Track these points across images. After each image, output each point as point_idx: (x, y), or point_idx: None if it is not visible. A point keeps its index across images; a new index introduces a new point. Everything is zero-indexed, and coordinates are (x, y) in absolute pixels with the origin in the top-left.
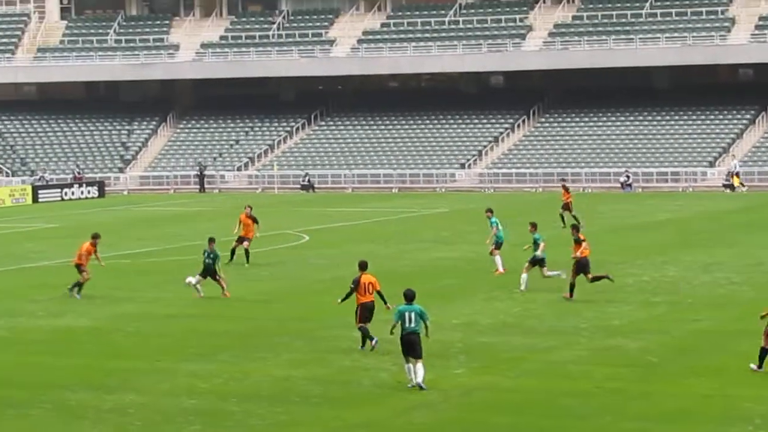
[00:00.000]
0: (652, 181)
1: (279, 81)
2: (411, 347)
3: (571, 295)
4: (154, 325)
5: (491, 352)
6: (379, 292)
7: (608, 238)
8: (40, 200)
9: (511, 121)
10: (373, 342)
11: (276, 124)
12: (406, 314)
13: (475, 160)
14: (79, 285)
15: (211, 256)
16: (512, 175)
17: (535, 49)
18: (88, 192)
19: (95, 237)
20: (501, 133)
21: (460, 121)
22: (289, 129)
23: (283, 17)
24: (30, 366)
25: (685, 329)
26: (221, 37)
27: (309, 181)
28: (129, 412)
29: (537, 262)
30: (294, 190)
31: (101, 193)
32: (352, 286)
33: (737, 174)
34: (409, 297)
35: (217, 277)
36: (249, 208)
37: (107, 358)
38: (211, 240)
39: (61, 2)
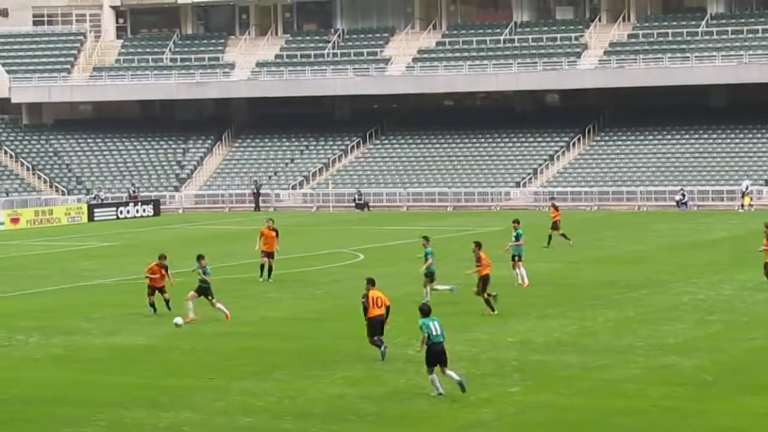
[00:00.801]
0: (707, 200)
1: (334, 99)
2: (439, 357)
3: (492, 309)
4: (209, 343)
5: (546, 370)
6: (388, 308)
7: (664, 257)
8: (95, 219)
9: (567, 139)
10: (382, 348)
11: (331, 143)
12: (431, 325)
13: (530, 178)
14: (167, 303)
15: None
16: (567, 194)
17: (590, 68)
18: (144, 210)
19: (162, 258)
20: (556, 151)
21: (515, 139)
22: (344, 147)
23: (339, 36)
24: (85, 384)
25: (741, 348)
26: (276, 56)
27: (363, 199)
28: (184, 430)
29: (429, 275)
30: (348, 209)
31: (156, 212)
32: (363, 300)
33: (749, 193)
34: (426, 311)
35: (210, 298)
36: (271, 221)
37: (162, 376)
38: (201, 257)
39: (117, 21)
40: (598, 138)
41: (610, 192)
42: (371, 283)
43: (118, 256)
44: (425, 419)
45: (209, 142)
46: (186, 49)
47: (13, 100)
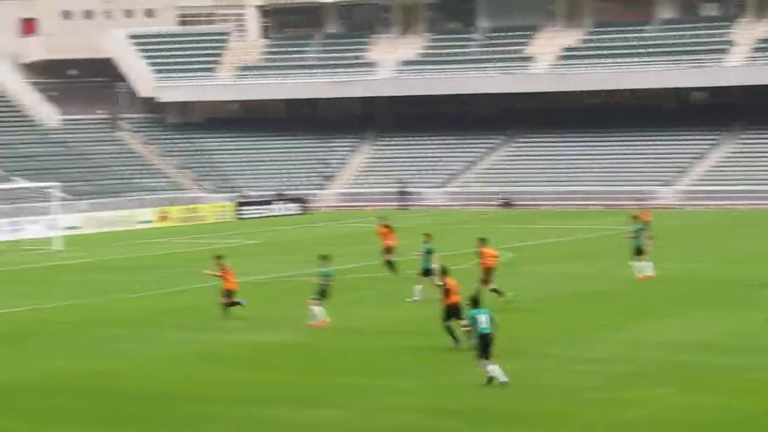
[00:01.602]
0: None
1: (477, 98)
2: (487, 347)
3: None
4: (353, 341)
5: (697, 370)
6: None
7: None
8: (242, 217)
9: (714, 137)
10: (458, 343)
11: (474, 141)
12: (480, 317)
13: (678, 177)
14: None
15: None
16: (716, 193)
17: (737, 65)
18: (290, 208)
19: (218, 258)
20: (704, 150)
21: (661, 137)
22: (487, 146)
23: (482, 34)
24: (229, 381)
25: None
26: (419, 54)
27: (506, 198)
28: (328, 427)
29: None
30: (492, 207)
31: (303, 210)
32: (444, 286)
33: None
34: (477, 301)
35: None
36: (382, 218)
37: (307, 373)
38: (325, 257)
39: (261, 21)
40: (745, 136)
41: (760, 190)
42: (445, 272)
43: (265, 254)
44: (575, 418)
45: (354, 140)
46: (330, 47)
47: (161, 100)
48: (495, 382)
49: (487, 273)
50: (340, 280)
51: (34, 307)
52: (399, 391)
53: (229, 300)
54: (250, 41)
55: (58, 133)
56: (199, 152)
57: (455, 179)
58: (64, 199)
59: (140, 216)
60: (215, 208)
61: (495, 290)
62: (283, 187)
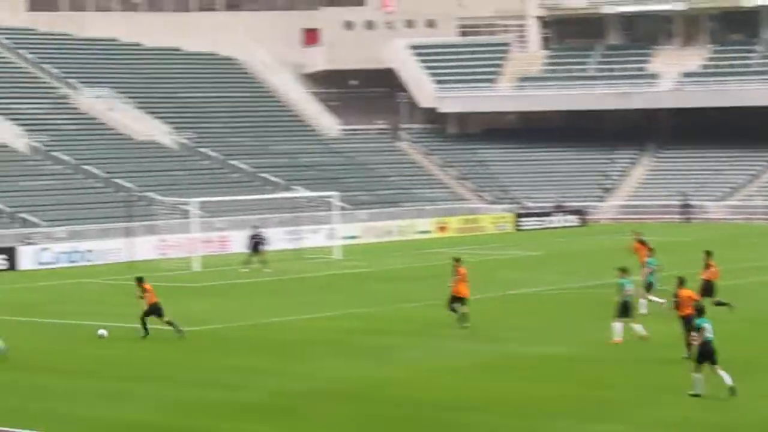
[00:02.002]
0: None
1: (760, 110)
2: (710, 355)
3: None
4: (638, 354)
5: None
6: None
7: None
8: (521, 228)
9: None
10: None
11: (757, 154)
12: (706, 325)
13: None
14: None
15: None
16: None
17: None
18: (569, 220)
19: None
20: None
21: None
22: None
23: (764, 46)
24: (508, 392)
25: None
26: (701, 66)
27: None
28: None
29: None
30: None
31: (582, 222)
32: (676, 300)
33: None
34: (701, 310)
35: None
36: (637, 233)
37: (587, 387)
38: (624, 269)
39: (542, 32)
40: None
41: None
42: (682, 282)
43: (544, 265)
44: None
45: (634, 152)
46: (611, 59)
47: (441, 110)
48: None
49: (708, 285)
50: (610, 293)
51: (315, 315)
52: (670, 406)
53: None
54: (530, 52)
55: (339, 142)
56: (478, 163)
57: (737, 192)
58: (344, 209)
59: (419, 226)
60: (494, 219)
61: (720, 303)
62: (561, 199)
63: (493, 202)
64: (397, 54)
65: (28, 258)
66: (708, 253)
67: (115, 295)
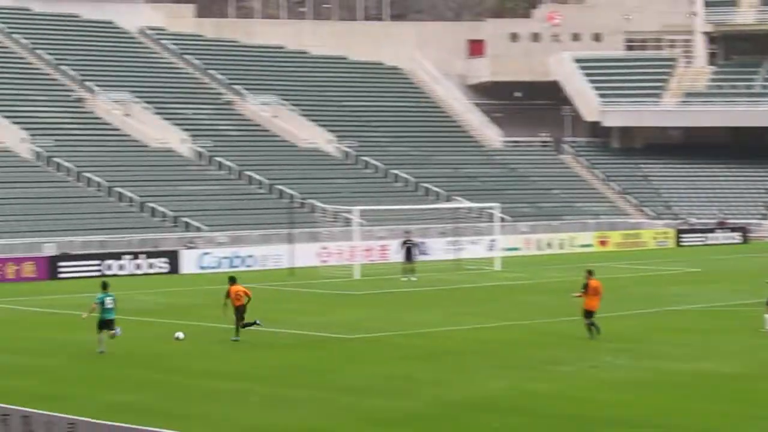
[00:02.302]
0: None
1: None
2: None
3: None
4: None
5: None
6: None
7: None
8: (682, 244)
9: None
10: None
11: None
12: None
13: None
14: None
15: None
16: None
17: None
18: (731, 237)
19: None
20: None
21: None
22: None
23: None
24: (671, 409)
25: None
26: None
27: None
28: None
29: None
30: None
31: (744, 239)
32: None
33: None
34: None
35: None
36: None
37: (752, 406)
38: None
39: (709, 47)
40: None
41: None
42: None
43: (705, 282)
44: None
45: None
46: None
47: (605, 124)
48: None
49: None
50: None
51: (476, 326)
52: None
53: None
54: (696, 68)
55: (501, 154)
56: (641, 178)
57: None
58: (504, 220)
59: (580, 239)
60: (655, 234)
61: None
62: (724, 216)
63: (655, 218)
64: (562, 67)
65: (190, 262)
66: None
67: (274, 301)
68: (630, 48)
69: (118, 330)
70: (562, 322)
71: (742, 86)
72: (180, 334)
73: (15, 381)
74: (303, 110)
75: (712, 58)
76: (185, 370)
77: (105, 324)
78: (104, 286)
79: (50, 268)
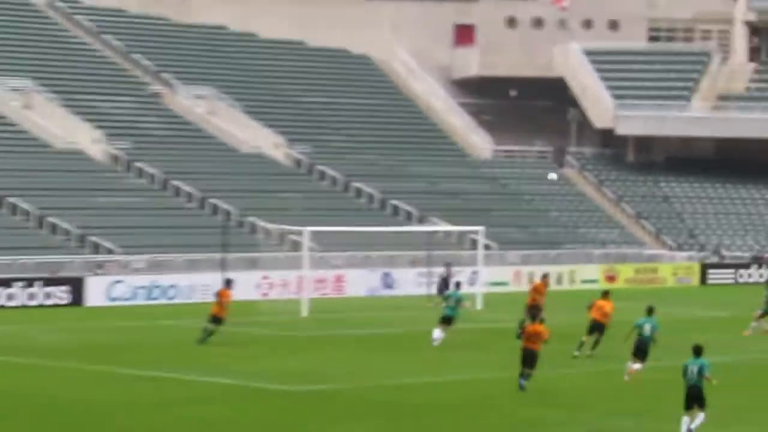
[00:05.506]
0: None
1: None
2: (694, 399)
3: None
4: None
5: None
6: None
7: None
8: (709, 282)
9: None
10: None
11: None
12: (689, 368)
13: None
14: None
15: None
16: None
17: None
18: None
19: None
20: None
21: None
22: None
23: None
24: None
25: None
26: None
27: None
28: None
29: None
30: None
31: None
32: None
33: None
34: (696, 352)
35: None
36: None
37: None
38: None
39: (750, 41)
40: None
41: None
42: None
43: (733, 328)
44: None
45: None
46: None
47: (619, 132)
48: None
49: None
50: None
51: (447, 378)
52: None
53: None
54: (734, 65)
55: (490, 166)
56: (661, 199)
57: None
58: (490, 248)
59: (583, 273)
60: (676, 268)
61: None
62: (761, 249)
63: (677, 249)
64: (569, 60)
65: (97, 291)
66: None
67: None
68: (654, 39)
69: None
70: (553, 376)
71: None
72: (553, 175)
73: None
74: (246, 107)
75: (755, 53)
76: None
77: None
78: None
79: None
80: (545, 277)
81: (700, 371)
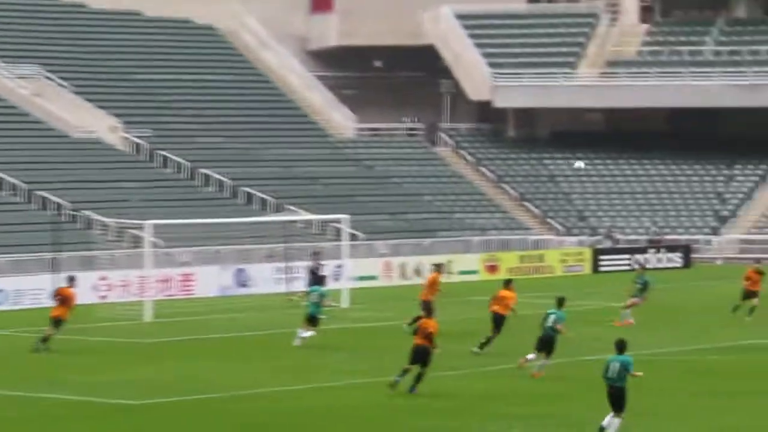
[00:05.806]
0: None
1: None
2: (613, 400)
3: None
4: None
5: None
6: None
7: None
8: (602, 269)
9: None
10: None
11: None
12: (610, 365)
13: None
14: None
15: None
16: None
17: None
18: (668, 259)
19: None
20: None
21: None
22: None
23: None
24: None
25: None
26: None
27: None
28: None
29: None
30: None
31: (686, 263)
32: None
33: None
34: (618, 347)
35: None
36: (757, 262)
37: None
38: None
39: (641, 0)
40: None
41: None
42: None
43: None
44: None
45: (762, 168)
46: (735, 38)
47: (497, 105)
48: None
49: None
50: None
51: (312, 385)
52: None
53: None
54: (624, 27)
55: (354, 146)
56: (546, 179)
57: None
58: (356, 238)
59: (461, 264)
60: (565, 255)
61: None
62: (660, 230)
63: (565, 233)
64: (439, 26)
65: None
66: None
67: (31, 353)
68: (534, 1)
69: None
70: (440, 377)
71: (686, 52)
72: (580, 164)
73: None
74: (77, 86)
75: (647, 13)
76: None
77: None
78: None
79: None
80: (439, 267)
81: (624, 369)
